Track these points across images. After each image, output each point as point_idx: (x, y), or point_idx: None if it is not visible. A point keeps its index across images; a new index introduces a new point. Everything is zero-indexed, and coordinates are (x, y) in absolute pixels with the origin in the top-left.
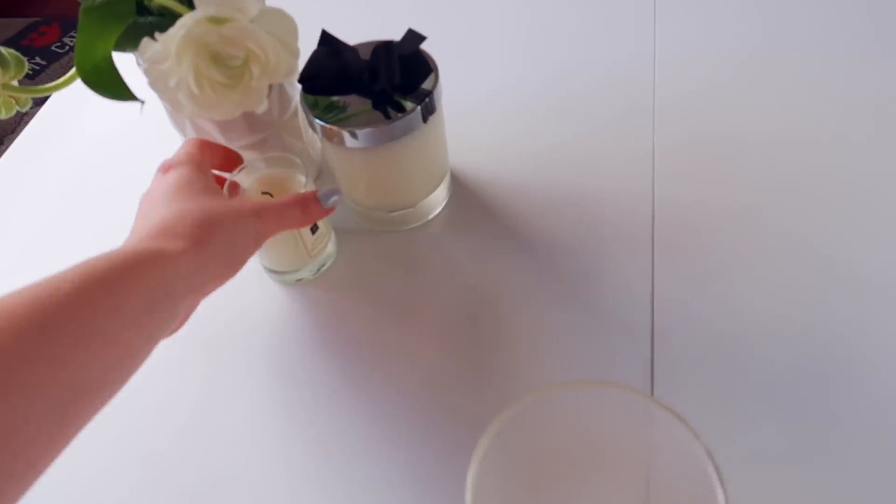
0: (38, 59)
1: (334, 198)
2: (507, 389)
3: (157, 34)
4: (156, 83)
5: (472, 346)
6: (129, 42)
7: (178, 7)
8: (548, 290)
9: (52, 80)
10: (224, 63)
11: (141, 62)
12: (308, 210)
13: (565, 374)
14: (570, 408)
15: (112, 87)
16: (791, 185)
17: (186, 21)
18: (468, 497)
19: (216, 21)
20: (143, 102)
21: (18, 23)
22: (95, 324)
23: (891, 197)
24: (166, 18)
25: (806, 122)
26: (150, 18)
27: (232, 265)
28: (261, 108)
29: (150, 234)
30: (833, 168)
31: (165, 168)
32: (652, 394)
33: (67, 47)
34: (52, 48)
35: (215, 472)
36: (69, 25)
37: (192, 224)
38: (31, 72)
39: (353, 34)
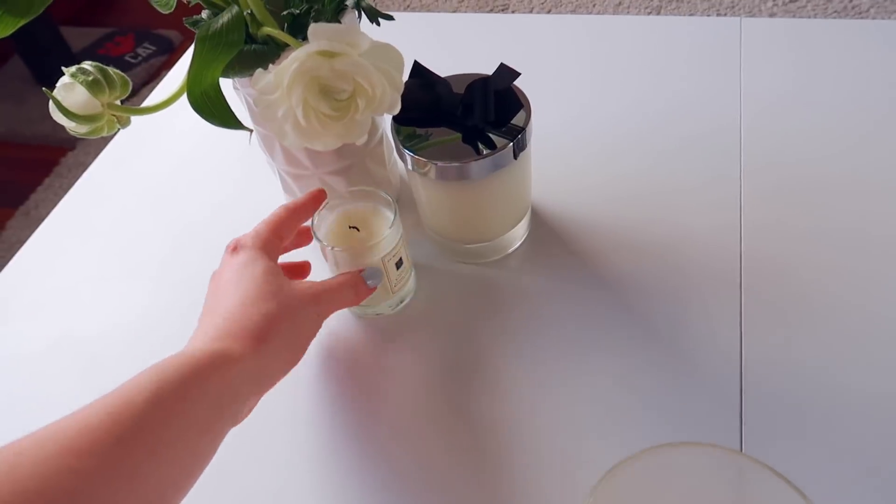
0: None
1: (375, 279)
2: (595, 447)
3: (270, 66)
4: (264, 113)
5: (546, 392)
6: (233, 69)
7: (283, 37)
8: (627, 335)
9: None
10: (332, 96)
11: (238, 86)
12: (359, 290)
13: (653, 430)
14: (663, 470)
15: (220, 114)
16: (885, 242)
17: (299, 54)
18: None
19: (328, 55)
20: (250, 131)
21: (95, 32)
22: (167, 432)
23: None
24: (270, 47)
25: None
26: (254, 46)
27: (295, 353)
28: (361, 140)
29: (216, 334)
30: None
31: (234, 248)
32: (741, 451)
33: (140, 58)
34: (126, 58)
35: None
36: (143, 36)
37: (256, 322)
38: None
39: (437, 66)
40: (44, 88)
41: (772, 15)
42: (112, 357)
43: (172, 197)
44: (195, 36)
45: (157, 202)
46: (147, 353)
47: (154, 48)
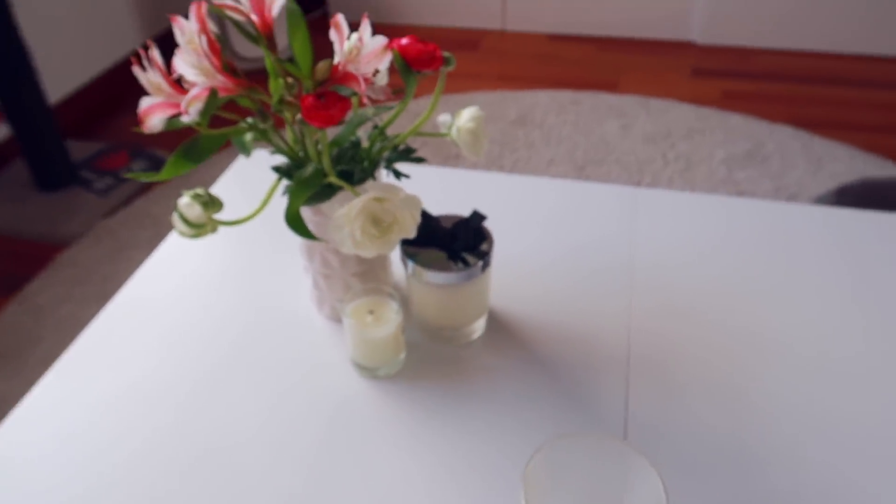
0: (108, 180)
1: None
2: (520, 448)
3: (342, 202)
4: (334, 230)
5: (495, 425)
6: (311, 199)
7: (345, 185)
8: (546, 392)
9: (121, 199)
10: (378, 223)
11: (312, 213)
12: None
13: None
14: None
15: (300, 228)
16: (743, 330)
17: (363, 199)
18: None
19: (379, 200)
20: (319, 240)
21: (94, 146)
22: None
23: (818, 349)
24: (332, 188)
25: (753, 287)
26: (322, 188)
27: None
28: (390, 251)
29: None
30: (767, 322)
31: None
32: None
33: (132, 171)
34: (120, 172)
35: None
36: (136, 153)
37: None
38: (101, 189)
39: (431, 206)
40: (176, 207)
41: (669, 183)
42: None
43: (216, 303)
44: (294, 179)
45: (199, 307)
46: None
47: (145, 164)
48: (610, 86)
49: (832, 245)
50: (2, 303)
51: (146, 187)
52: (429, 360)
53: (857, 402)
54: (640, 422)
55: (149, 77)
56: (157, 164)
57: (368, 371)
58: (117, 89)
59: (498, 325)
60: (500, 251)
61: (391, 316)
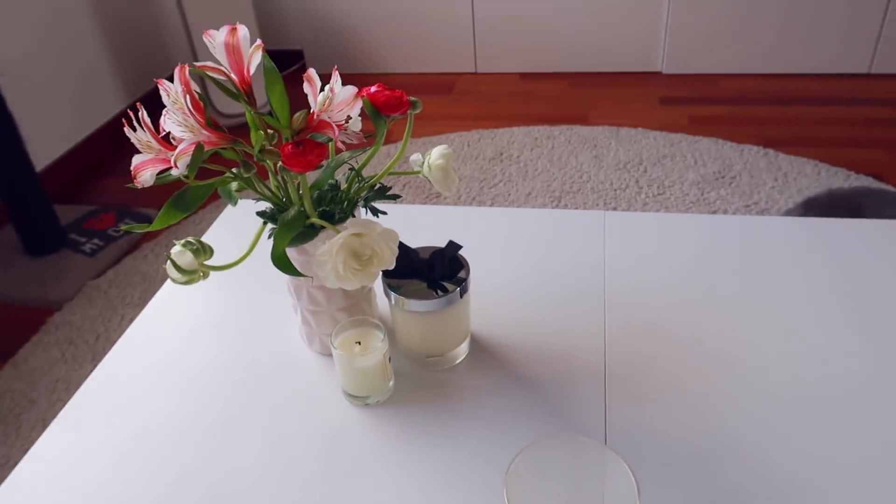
0: (96, 241)
1: None
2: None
3: (324, 240)
4: (318, 266)
5: (482, 439)
6: (293, 241)
7: (327, 225)
8: (527, 410)
9: (110, 259)
10: (358, 257)
11: (297, 253)
12: None
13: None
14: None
15: (287, 267)
16: (718, 347)
17: (343, 235)
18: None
19: (358, 235)
20: (311, 277)
21: (81, 209)
22: None
23: (780, 362)
24: (314, 229)
25: (721, 307)
26: (304, 228)
27: None
28: (371, 284)
29: None
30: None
31: None
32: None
33: (122, 232)
34: (109, 231)
35: None
36: (124, 213)
37: None
38: (89, 251)
39: (409, 240)
40: (169, 255)
41: (644, 206)
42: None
43: (210, 340)
44: (278, 223)
45: (197, 340)
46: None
47: (133, 222)
48: (581, 119)
49: (802, 254)
50: None
51: (134, 246)
52: (416, 385)
53: (827, 409)
54: (617, 430)
55: (139, 136)
56: (144, 222)
57: (360, 400)
58: (102, 152)
59: (480, 349)
60: (480, 279)
61: (378, 345)
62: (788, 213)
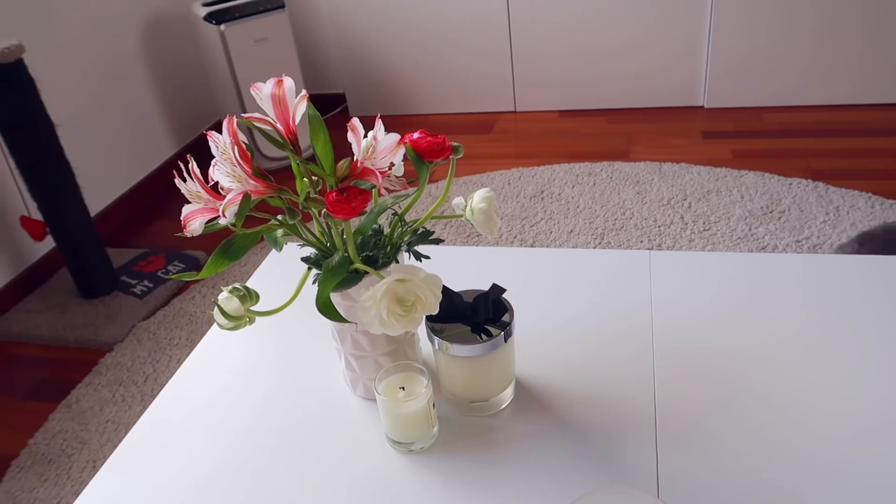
0: (146, 283)
1: None
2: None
3: (368, 285)
4: (362, 312)
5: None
6: (337, 287)
7: (371, 270)
8: (575, 457)
9: (159, 301)
10: (402, 303)
11: (341, 298)
12: None
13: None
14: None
15: (332, 313)
16: (764, 393)
17: (386, 281)
18: None
19: (401, 281)
20: (355, 324)
21: (132, 252)
22: None
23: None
24: (360, 274)
25: (770, 345)
26: (348, 274)
27: None
28: (414, 329)
29: None
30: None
31: None
32: None
33: (170, 273)
34: (158, 273)
35: None
36: (173, 256)
37: None
38: (140, 292)
39: (452, 282)
40: (216, 301)
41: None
42: None
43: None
44: (323, 268)
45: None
46: None
47: (183, 265)
48: (622, 155)
49: (857, 293)
50: (49, 409)
51: (182, 288)
52: (461, 432)
53: (892, 460)
54: (670, 479)
55: (189, 186)
56: (192, 264)
57: (404, 446)
58: (152, 197)
59: (526, 394)
60: (524, 322)
61: (421, 391)
62: (842, 247)
